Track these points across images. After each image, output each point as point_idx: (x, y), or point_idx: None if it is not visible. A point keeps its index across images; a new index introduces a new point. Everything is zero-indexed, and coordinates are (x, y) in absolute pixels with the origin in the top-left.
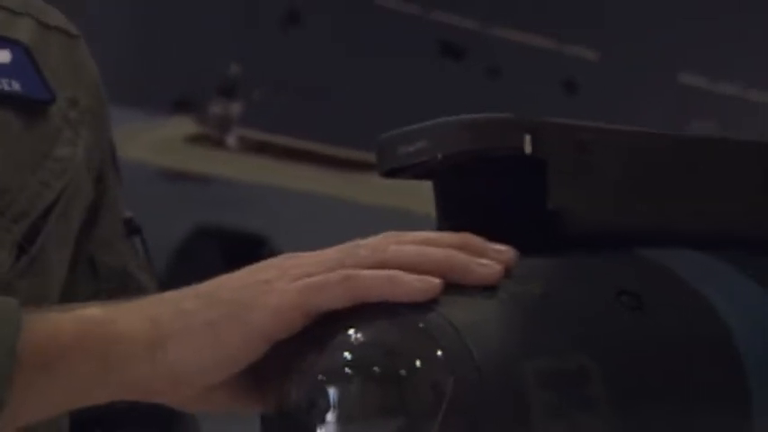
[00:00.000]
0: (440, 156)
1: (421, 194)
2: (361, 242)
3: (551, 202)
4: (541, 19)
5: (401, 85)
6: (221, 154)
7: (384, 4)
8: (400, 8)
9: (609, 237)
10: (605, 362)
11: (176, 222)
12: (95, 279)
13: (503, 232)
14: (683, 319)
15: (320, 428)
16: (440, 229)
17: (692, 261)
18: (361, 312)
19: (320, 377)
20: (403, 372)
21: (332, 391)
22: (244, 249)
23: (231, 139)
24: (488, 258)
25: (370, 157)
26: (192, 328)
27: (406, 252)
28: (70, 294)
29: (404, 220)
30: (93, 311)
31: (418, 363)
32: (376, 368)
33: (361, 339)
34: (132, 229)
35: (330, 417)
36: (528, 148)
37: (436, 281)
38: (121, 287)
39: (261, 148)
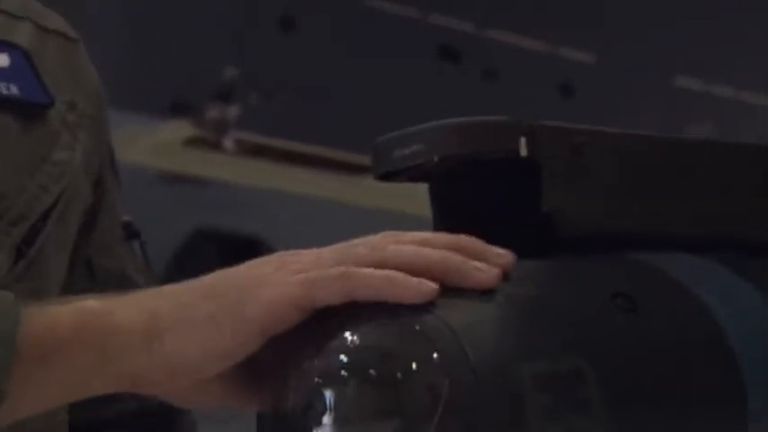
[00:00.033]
0: (435, 158)
1: (417, 197)
2: (360, 241)
3: (546, 205)
4: (538, 22)
5: (398, 89)
6: (219, 157)
7: (382, 8)
8: (398, 11)
9: (603, 239)
10: (600, 364)
11: (174, 225)
12: (93, 282)
13: (498, 234)
14: (677, 320)
15: (317, 431)
16: (436, 231)
17: (686, 263)
18: (357, 313)
19: (317, 379)
20: (399, 374)
21: (328, 394)
22: (241, 252)
23: (228, 142)
24: (488, 261)
25: (367, 160)
26: (190, 321)
27: (404, 252)
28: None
29: (400, 223)
30: (90, 303)
31: (414, 365)
32: (372, 370)
33: (358, 341)
34: (131, 232)
35: (326, 419)
36: (523, 151)
37: (433, 283)
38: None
39: (258, 151)
